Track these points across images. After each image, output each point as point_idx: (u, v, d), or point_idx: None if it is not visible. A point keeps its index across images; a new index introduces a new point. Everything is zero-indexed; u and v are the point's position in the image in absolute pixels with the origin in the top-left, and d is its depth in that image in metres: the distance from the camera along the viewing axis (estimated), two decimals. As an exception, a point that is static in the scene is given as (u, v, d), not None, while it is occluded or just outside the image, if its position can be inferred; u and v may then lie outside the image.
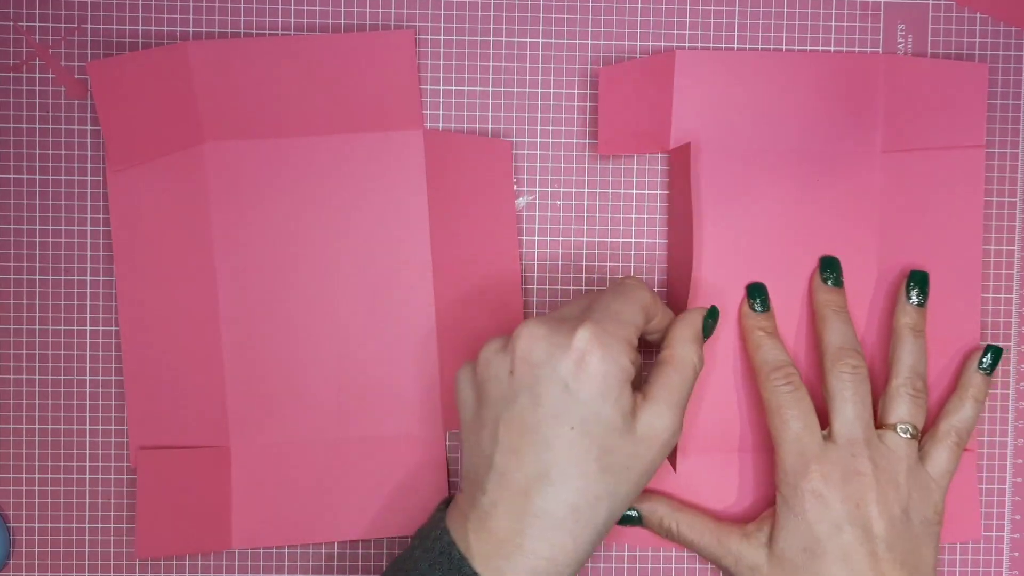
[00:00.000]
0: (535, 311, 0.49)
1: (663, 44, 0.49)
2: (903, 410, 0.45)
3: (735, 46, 0.49)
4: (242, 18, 0.48)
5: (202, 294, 0.48)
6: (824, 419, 0.45)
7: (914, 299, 0.47)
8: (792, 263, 0.48)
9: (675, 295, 0.49)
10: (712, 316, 0.45)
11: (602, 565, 0.50)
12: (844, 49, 0.49)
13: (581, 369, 0.39)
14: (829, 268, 0.47)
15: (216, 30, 0.48)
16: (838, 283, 0.47)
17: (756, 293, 0.47)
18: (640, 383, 0.43)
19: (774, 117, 0.48)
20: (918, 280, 0.47)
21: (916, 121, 0.48)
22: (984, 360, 0.47)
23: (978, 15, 0.49)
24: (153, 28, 0.48)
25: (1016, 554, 0.50)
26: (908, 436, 0.44)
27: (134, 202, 0.47)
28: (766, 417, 0.45)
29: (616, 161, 0.49)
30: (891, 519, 0.43)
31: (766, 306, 0.47)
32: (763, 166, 0.48)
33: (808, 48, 0.49)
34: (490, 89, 0.49)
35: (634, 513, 0.47)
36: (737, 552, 0.45)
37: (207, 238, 0.47)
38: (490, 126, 0.49)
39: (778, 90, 0.48)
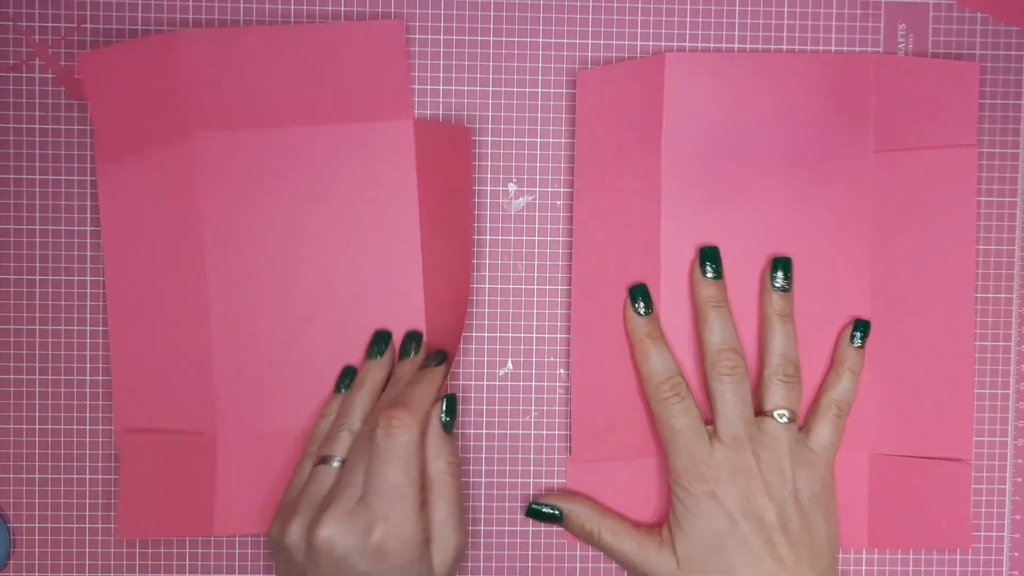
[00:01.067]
0: (535, 311, 0.49)
1: (663, 44, 0.49)
2: (778, 396, 0.46)
3: (735, 47, 0.49)
4: (241, 18, 0.48)
5: (191, 282, 0.48)
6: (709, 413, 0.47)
7: (778, 284, 0.47)
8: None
9: (596, 298, 0.49)
10: (449, 412, 0.46)
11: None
12: (844, 49, 0.49)
13: (380, 559, 0.43)
14: (709, 260, 0.48)
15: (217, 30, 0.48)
16: (718, 275, 0.47)
17: (639, 296, 0.48)
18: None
19: (766, 118, 0.48)
20: (780, 265, 0.47)
21: (908, 121, 0.48)
22: (855, 335, 0.48)
23: (978, 15, 0.49)
24: (153, 28, 0.48)
25: (1016, 554, 0.50)
26: (786, 420, 0.46)
27: (123, 191, 0.47)
28: (656, 425, 0.47)
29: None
30: (780, 503, 0.45)
31: (650, 309, 0.48)
32: (755, 168, 0.48)
33: (809, 48, 0.49)
34: (490, 89, 0.49)
35: (557, 512, 0.48)
36: (655, 560, 0.46)
37: (196, 227, 0.47)
38: (490, 125, 0.49)
39: (769, 91, 0.48)
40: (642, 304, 0.48)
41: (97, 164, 0.47)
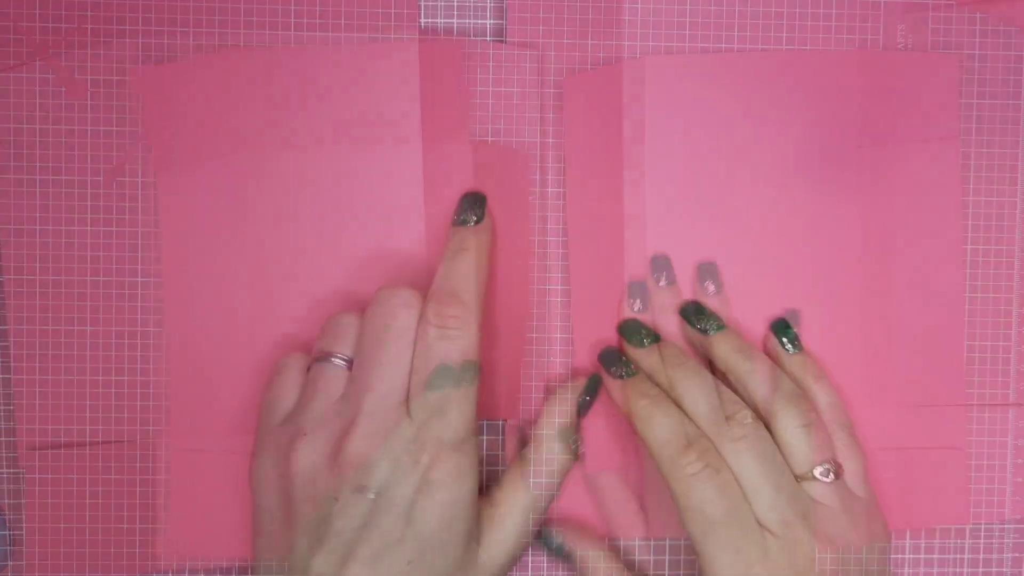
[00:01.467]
0: (535, 311, 0.49)
1: (663, 44, 0.49)
2: (733, 396, 0.45)
3: (735, 47, 0.49)
4: (242, 18, 0.48)
5: (246, 303, 0.48)
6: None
7: (711, 290, 0.47)
8: (775, 264, 0.48)
9: (588, 301, 0.48)
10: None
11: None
12: (843, 49, 0.49)
13: (426, 496, 0.37)
14: (660, 269, 0.48)
15: (216, 30, 0.48)
16: (671, 281, 0.47)
17: (636, 293, 0.48)
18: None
19: (750, 118, 0.48)
20: (705, 271, 0.47)
21: (891, 115, 0.48)
22: (785, 344, 0.47)
23: (978, 15, 0.49)
24: (153, 28, 0.48)
25: (1017, 555, 0.50)
26: (750, 421, 0.44)
27: (182, 207, 0.47)
28: (636, 428, 0.45)
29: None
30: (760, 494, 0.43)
31: (644, 308, 0.48)
32: (740, 168, 0.48)
33: (808, 48, 0.49)
34: (490, 89, 0.49)
35: (565, 551, 0.46)
36: None
37: (253, 247, 0.48)
38: (490, 125, 0.49)
39: (752, 91, 0.48)
40: (638, 302, 0.48)
41: (157, 179, 0.47)
